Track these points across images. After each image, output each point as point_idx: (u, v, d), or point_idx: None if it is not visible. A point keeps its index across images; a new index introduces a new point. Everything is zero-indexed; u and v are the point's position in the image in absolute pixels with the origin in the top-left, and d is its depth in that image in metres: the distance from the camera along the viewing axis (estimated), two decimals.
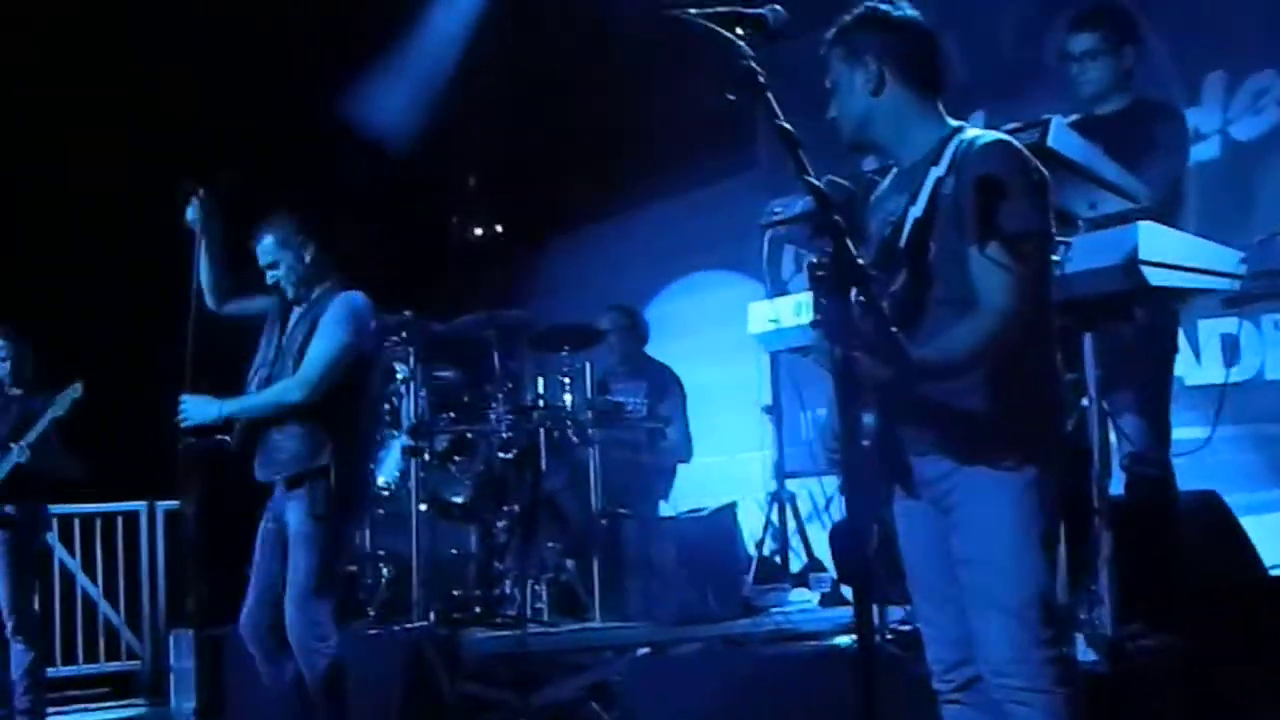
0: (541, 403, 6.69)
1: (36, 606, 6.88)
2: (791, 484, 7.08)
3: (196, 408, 5.05)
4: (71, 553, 8.66)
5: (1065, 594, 3.88)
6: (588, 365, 6.83)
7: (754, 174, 8.54)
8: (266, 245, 5.18)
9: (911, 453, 3.06)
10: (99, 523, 8.75)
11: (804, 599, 6.58)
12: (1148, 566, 4.34)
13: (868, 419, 2.92)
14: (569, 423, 6.68)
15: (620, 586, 6.47)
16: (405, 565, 6.47)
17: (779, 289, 7.46)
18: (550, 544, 6.56)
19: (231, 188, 5.33)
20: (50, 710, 7.07)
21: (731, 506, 6.61)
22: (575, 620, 6.37)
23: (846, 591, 6.35)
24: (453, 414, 6.75)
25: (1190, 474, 4.78)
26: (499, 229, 11.07)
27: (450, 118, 9.63)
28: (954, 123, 3.17)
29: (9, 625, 6.63)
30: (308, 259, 5.17)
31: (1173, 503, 4.66)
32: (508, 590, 6.41)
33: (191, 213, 5.34)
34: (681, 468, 7.54)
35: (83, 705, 8.49)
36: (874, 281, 2.77)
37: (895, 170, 3.26)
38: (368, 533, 6.80)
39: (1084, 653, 4.06)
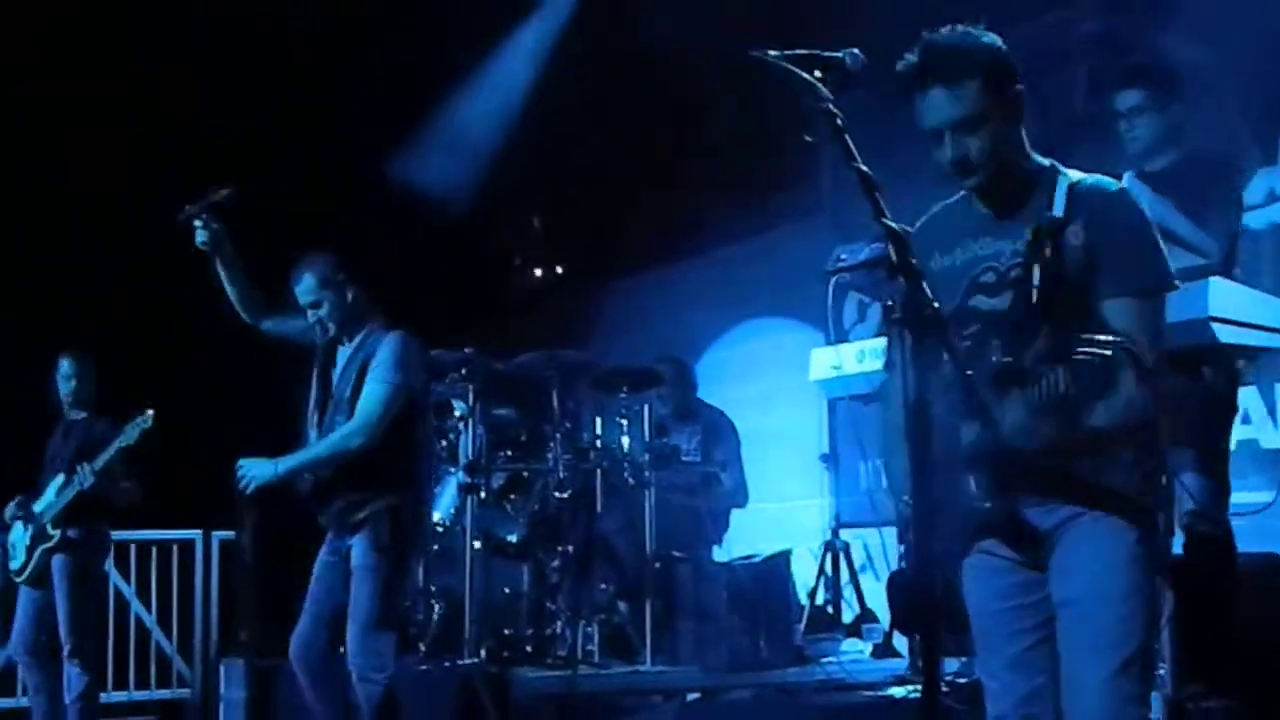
0: (599, 444, 6.71)
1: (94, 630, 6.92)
2: (845, 534, 7.06)
3: (255, 469, 5.05)
4: (126, 579, 8.71)
5: None
6: (645, 408, 6.83)
7: (812, 221, 8.52)
8: (308, 285, 5.15)
9: (1025, 504, 2.99)
10: (155, 550, 8.81)
11: (856, 649, 6.55)
12: (1208, 627, 4.29)
13: (974, 478, 2.89)
14: (625, 464, 6.68)
15: (672, 630, 6.46)
16: (458, 602, 6.48)
17: (841, 336, 7.47)
18: (603, 585, 6.56)
19: (231, 203, 5.26)
20: None
21: (785, 554, 6.59)
22: (626, 662, 6.36)
23: (899, 643, 6.32)
24: (510, 452, 6.79)
25: (1253, 536, 4.71)
26: (560, 270, 11.17)
27: (515, 160, 9.71)
28: (1041, 158, 3.12)
29: (66, 647, 6.65)
30: (350, 298, 5.18)
31: (1233, 563, 4.60)
32: (559, 630, 6.41)
33: (200, 237, 5.28)
34: (736, 514, 7.50)
35: None
36: (949, 326, 2.75)
37: (965, 206, 3.17)
38: (421, 568, 6.78)
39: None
